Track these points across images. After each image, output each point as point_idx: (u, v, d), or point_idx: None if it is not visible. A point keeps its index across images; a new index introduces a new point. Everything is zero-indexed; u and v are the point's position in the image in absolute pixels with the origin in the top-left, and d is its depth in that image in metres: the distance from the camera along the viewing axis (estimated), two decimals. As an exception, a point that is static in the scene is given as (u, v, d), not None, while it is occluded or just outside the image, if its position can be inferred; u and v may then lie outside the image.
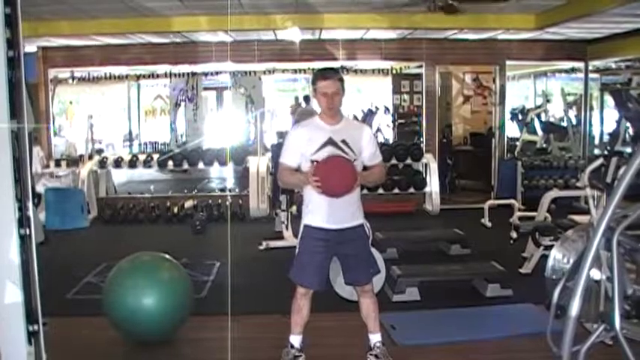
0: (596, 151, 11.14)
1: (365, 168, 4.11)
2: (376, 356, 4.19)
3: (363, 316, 4.22)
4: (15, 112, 2.33)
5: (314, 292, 4.17)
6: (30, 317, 2.41)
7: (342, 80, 3.96)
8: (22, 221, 2.36)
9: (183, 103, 13.20)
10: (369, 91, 13.35)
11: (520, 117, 12.20)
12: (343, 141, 3.91)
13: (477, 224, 8.91)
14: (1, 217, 2.33)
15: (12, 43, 2.31)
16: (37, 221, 6.99)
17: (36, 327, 2.41)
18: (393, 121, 12.73)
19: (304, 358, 4.23)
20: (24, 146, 2.40)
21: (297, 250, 4.14)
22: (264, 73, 12.29)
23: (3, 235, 2.33)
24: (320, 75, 3.99)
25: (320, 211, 3.97)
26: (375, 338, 4.22)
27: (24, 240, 2.37)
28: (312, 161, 3.90)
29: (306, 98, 11.41)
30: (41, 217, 8.74)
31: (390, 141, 12.24)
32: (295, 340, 4.21)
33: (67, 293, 5.92)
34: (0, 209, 2.33)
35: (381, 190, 10.10)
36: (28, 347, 2.41)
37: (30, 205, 2.38)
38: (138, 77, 12.83)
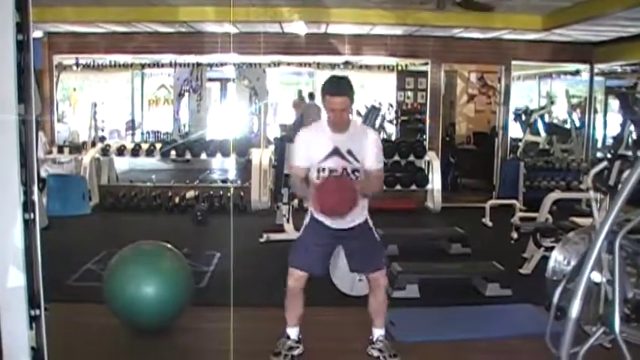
0: (599, 154, 11.14)
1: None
2: (380, 350, 4.22)
3: (371, 310, 4.25)
4: (23, 97, 2.33)
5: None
6: (32, 302, 2.41)
7: (351, 94, 3.90)
8: (27, 205, 2.36)
9: (187, 94, 13.18)
10: (373, 87, 13.33)
11: (523, 117, 12.20)
12: (348, 151, 3.92)
13: (478, 223, 8.91)
14: (6, 202, 2.33)
15: (22, 27, 2.31)
16: (42, 206, 7.02)
17: (37, 312, 2.42)
18: (397, 118, 12.73)
19: (301, 349, 4.27)
20: (30, 131, 2.40)
21: (300, 234, 4.20)
22: (269, 65, 12.28)
23: (7, 220, 2.34)
24: (329, 89, 3.88)
25: None
26: (379, 332, 4.27)
27: (28, 224, 2.38)
28: (319, 169, 3.94)
29: (311, 95, 11.39)
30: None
31: (393, 138, 12.24)
32: (292, 331, 4.26)
33: (68, 279, 5.94)
34: (5, 193, 2.33)
35: (383, 187, 10.10)
36: (29, 332, 2.42)
37: (35, 189, 2.38)
38: (142, 66, 12.82)
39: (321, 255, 4.15)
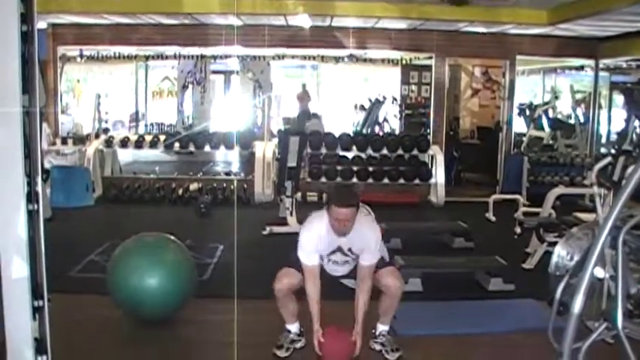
0: (603, 150, 11.12)
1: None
2: (382, 344, 4.24)
3: (380, 308, 4.27)
4: (27, 88, 2.33)
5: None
6: (35, 293, 2.41)
7: (357, 205, 3.98)
8: (31, 196, 2.36)
9: (190, 86, 13.19)
10: (377, 81, 13.31)
11: (528, 112, 12.19)
12: (349, 249, 4.09)
13: (482, 218, 8.90)
14: (10, 192, 2.33)
15: (26, 18, 2.30)
16: (45, 198, 7.03)
17: (41, 302, 2.42)
18: (400, 112, 12.72)
19: (303, 342, 4.29)
20: (34, 122, 2.39)
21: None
22: (273, 58, 12.27)
23: (11, 210, 2.34)
24: (336, 200, 3.94)
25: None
26: (383, 328, 4.29)
27: (32, 215, 2.38)
28: (322, 258, 4.12)
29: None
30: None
31: (397, 131, 12.23)
32: (292, 327, 4.30)
33: (71, 271, 5.95)
34: (9, 184, 2.33)
35: (386, 181, 10.11)
36: (33, 323, 2.42)
37: (39, 180, 2.38)
38: (146, 58, 12.82)
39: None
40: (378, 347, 4.26)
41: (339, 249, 4.09)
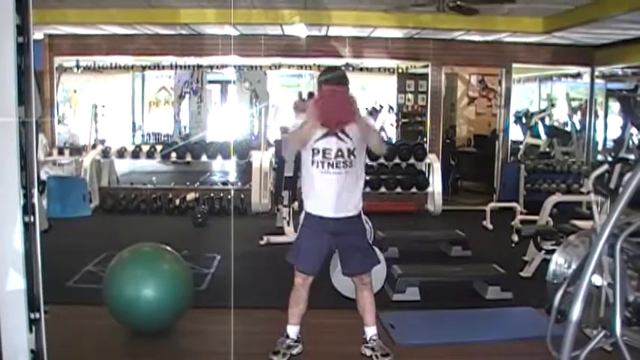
0: (600, 157, 11.13)
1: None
2: (372, 349, 4.25)
3: (360, 309, 4.30)
4: (23, 99, 2.32)
5: (314, 288, 4.21)
6: (32, 305, 2.40)
7: (347, 83, 4.00)
8: (27, 209, 2.35)
9: (187, 96, 13.17)
10: (374, 90, 13.31)
11: (524, 120, 12.20)
12: (342, 131, 4.04)
13: (479, 226, 8.90)
14: (6, 205, 2.33)
15: (22, 30, 2.30)
16: (42, 209, 7.00)
17: (37, 315, 2.41)
18: (397, 121, 12.72)
19: (300, 349, 4.28)
20: (30, 134, 2.39)
21: (297, 234, 4.28)
22: (270, 67, 12.28)
23: (7, 223, 2.33)
24: (325, 79, 4.00)
25: (320, 199, 4.12)
26: (371, 331, 4.30)
27: (28, 227, 2.37)
28: (313, 149, 4.06)
29: (310, 94, 11.37)
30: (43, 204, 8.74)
31: (394, 140, 12.23)
32: (292, 330, 4.29)
33: (68, 281, 5.93)
34: (5, 196, 2.32)
35: (383, 189, 10.10)
36: (29, 335, 2.41)
37: (35, 192, 2.37)
38: (143, 68, 12.82)
39: (317, 253, 4.18)
40: (368, 352, 4.27)
41: (331, 132, 4.03)
